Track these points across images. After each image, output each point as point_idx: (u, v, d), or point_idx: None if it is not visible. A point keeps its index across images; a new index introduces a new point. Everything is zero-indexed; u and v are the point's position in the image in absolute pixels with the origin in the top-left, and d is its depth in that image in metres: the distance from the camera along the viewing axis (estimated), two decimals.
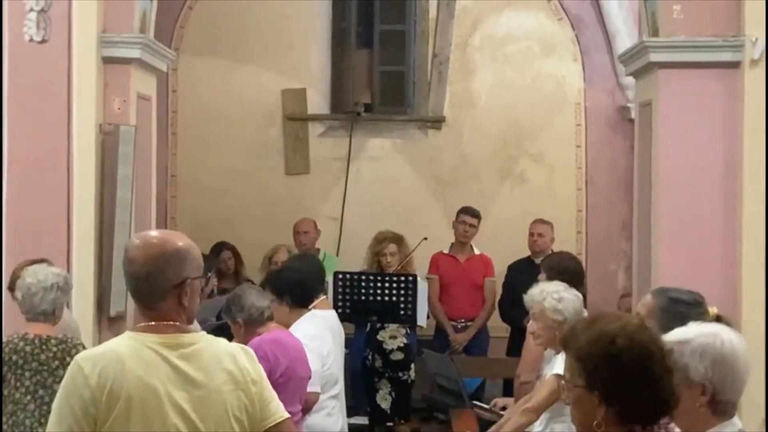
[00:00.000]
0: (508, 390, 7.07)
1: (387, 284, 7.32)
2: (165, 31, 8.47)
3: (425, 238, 8.05)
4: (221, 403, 2.84)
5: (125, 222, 6.28)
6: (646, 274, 6.24)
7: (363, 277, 7.38)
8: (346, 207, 9.42)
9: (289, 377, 4.76)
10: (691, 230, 6.00)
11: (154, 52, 6.67)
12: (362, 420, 7.43)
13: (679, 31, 6.04)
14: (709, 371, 2.58)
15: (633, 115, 7.74)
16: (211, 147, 9.45)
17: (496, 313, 8.36)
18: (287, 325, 5.19)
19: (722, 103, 5.99)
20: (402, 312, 7.34)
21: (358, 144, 9.52)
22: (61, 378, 2.91)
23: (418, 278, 7.52)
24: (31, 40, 6.05)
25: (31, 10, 6.03)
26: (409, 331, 7.65)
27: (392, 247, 7.87)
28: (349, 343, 6.94)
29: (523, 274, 7.42)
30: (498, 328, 8.42)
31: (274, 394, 3.01)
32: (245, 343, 3.89)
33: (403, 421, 7.55)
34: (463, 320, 8.31)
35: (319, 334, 5.32)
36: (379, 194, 9.39)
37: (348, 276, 7.38)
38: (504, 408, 5.76)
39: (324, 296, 5.67)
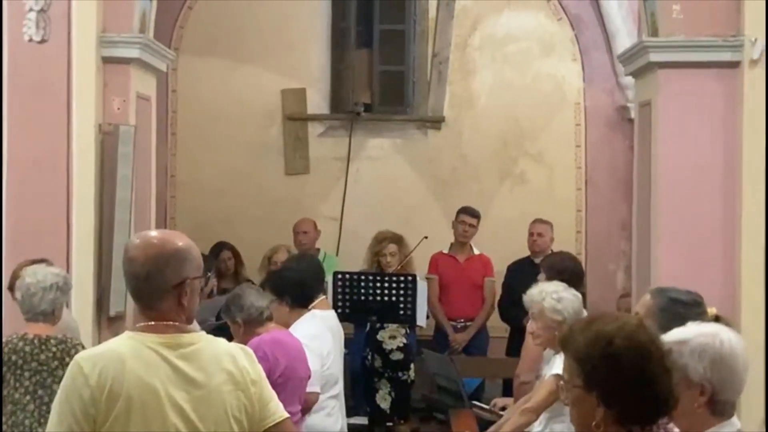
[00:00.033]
0: (507, 390, 7.07)
1: (386, 284, 7.32)
2: (165, 31, 8.48)
3: (426, 237, 8.04)
4: (221, 403, 2.84)
5: (125, 222, 6.28)
6: (646, 274, 6.24)
7: (362, 277, 7.37)
8: (346, 207, 9.42)
9: (288, 377, 4.76)
10: (690, 230, 6.01)
11: (154, 52, 6.67)
12: (362, 420, 7.42)
13: (678, 31, 6.04)
14: (708, 371, 2.58)
15: (632, 114, 7.74)
16: (210, 147, 9.45)
17: (495, 313, 8.36)
18: (287, 325, 5.19)
19: (722, 103, 5.99)
20: (401, 312, 7.34)
21: (357, 144, 9.52)
22: (61, 378, 2.91)
23: (418, 278, 7.52)
24: (31, 40, 6.05)
25: (31, 9, 6.04)
26: (408, 331, 7.64)
27: (392, 247, 7.87)
28: (348, 343, 6.94)
29: (522, 274, 7.42)
30: (497, 328, 8.42)
31: (274, 394, 3.01)
32: (244, 343, 3.88)
33: (402, 421, 7.54)
34: (462, 320, 8.31)
35: (319, 334, 5.32)
36: (378, 194, 9.39)
37: (347, 276, 7.38)
38: (504, 408, 5.76)
39: (323, 296, 5.67)
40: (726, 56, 5.98)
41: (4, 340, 4.74)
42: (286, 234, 8.52)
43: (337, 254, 9.00)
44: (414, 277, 7.44)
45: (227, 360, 2.89)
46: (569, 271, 5.56)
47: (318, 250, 8.51)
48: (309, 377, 5.00)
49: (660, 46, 6.08)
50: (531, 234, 8.24)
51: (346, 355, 6.15)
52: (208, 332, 3.08)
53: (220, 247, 8.46)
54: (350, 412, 6.50)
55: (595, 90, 9.44)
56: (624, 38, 8.74)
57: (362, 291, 7.30)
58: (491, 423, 5.47)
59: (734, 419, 2.63)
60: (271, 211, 9.27)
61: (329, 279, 6.94)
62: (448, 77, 9.54)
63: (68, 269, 5.77)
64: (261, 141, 9.52)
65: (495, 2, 9.52)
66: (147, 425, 2.77)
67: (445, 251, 8.45)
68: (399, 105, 9.74)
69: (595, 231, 9.41)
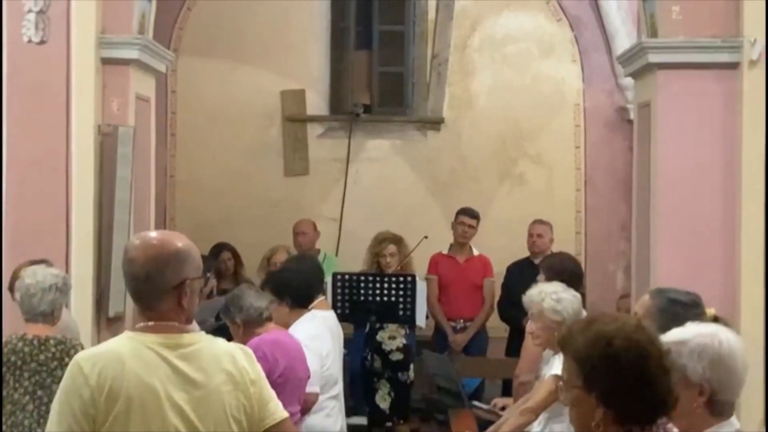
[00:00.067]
0: (507, 390, 7.07)
1: (386, 285, 7.33)
2: (164, 32, 8.48)
3: (426, 237, 8.05)
4: (220, 403, 2.85)
5: (124, 223, 6.28)
6: (645, 274, 6.24)
7: (362, 278, 7.38)
8: (346, 208, 9.43)
9: (287, 378, 4.76)
10: (690, 231, 6.01)
11: (153, 53, 6.67)
12: (361, 420, 7.43)
13: (677, 32, 6.04)
14: (707, 371, 2.59)
15: (632, 115, 7.74)
16: (210, 148, 9.46)
17: (495, 314, 8.36)
18: (287, 326, 5.19)
19: (721, 104, 6.00)
20: (401, 312, 7.35)
21: (357, 145, 9.52)
22: (60, 378, 2.91)
23: (417, 279, 7.52)
24: (30, 41, 6.05)
25: (30, 11, 6.03)
26: (408, 331, 7.64)
27: (392, 248, 7.87)
28: (348, 343, 6.94)
29: (522, 274, 7.43)
30: (497, 328, 8.42)
31: (273, 394, 3.01)
32: (244, 343, 3.87)
33: (402, 422, 7.55)
34: (462, 321, 8.31)
35: (318, 334, 5.32)
36: (378, 195, 9.39)
37: (347, 277, 7.39)
38: (503, 408, 5.76)
39: (323, 297, 5.67)
40: (725, 57, 5.98)
41: (3, 340, 4.74)
42: (286, 235, 8.52)
43: (336, 255, 9.00)
44: (413, 277, 7.44)
45: (227, 360, 2.90)
46: (568, 272, 5.56)
47: (318, 250, 8.51)
48: (308, 377, 5.00)
49: (659, 47, 6.08)
50: (530, 235, 8.24)
51: (345, 355, 6.15)
52: (208, 333, 3.08)
53: (219, 247, 8.46)
54: (350, 412, 6.50)
55: (594, 91, 9.44)
56: (623, 39, 8.74)
57: (362, 291, 7.31)
58: (491, 423, 5.47)
59: (733, 419, 2.63)
60: (271, 212, 9.27)
61: (328, 280, 6.94)
62: (448, 78, 9.54)
63: (67, 270, 5.77)
64: (260, 142, 9.52)
65: (494, 3, 9.52)
66: (146, 425, 2.77)
67: (445, 252, 8.45)
68: (398, 106, 9.74)
69: (594, 232, 9.41)
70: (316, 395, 5.19)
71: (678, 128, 6.05)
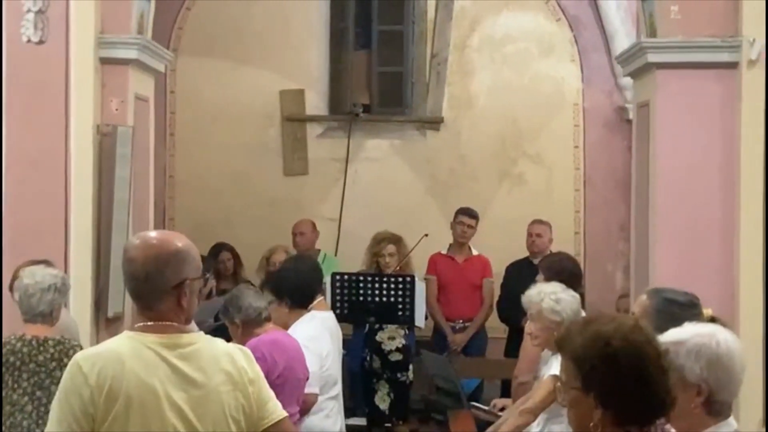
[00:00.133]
0: (506, 391, 7.07)
1: (385, 285, 7.32)
2: (163, 32, 8.47)
3: (426, 235, 8.05)
4: (219, 403, 2.85)
5: (123, 223, 6.28)
6: (644, 274, 6.24)
7: (361, 278, 7.37)
8: (345, 208, 9.42)
9: (286, 378, 4.76)
10: (688, 231, 6.00)
11: (152, 53, 6.67)
12: (360, 421, 7.42)
13: (676, 31, 6.03)
14: (705, 372, 2.58)
15: (631, 115, 7.74)
16: (209, 148, 9.45)
17: (494, 314, 8.36)
18: (286, 326, 5.19)
19: (720, 104, 5.99)
20: (400, 313, 7.34)
21: (356, 145, 9.52)
22: (59, 379, 2.91)
23: (416, 279, 7.52)
24: (29, 41, 6.05)
25: (29, 11, 6.03)
26: (407, 332, 7.64)
27: (391, 248, 7.86)
28: (347, 344, 6.94)
29: (521, 274, 7.43)
30: (496, 328, 8.42)
31: (272, 393, 3.02)
32: (243, 344, 3.88)
33: (401, 422, 7.54)
34: (461, 321, 8.30)
35: (318, 335, 5.32)
36: (377, 195, 9.39)
37: (346, 277, 7.38)
38: (503, 409, 5.76)
39: (322, 297, 5.67)
40: (724, 57, 5.97)
41: (2, 341, 4.74)
42: (285, 235, 8.52)
43: (335, 255, 9.00)
44: (412, 278, 7.44)
45: (225, 360, 2.90)
46: (567, 272, 5.56)
47: (318, 251, 8.51)
48: (307, 378, 5.00)
49: (658, 46, 6.08)
50: (530, 235, 8.24)
51: (344, 356, 6.15)
52: (207, 333, 3.08)
53: (219, 248, 8.46)
54: (349, 413, 6.50)
55: (593, 91, 9.44)
56: (622, 39, 8.74)
57: (360, 292, 7.30)
58: (490, 424, 5.46)
59: (731, 419, 2.63)
60: (270, 211, 9.27)
61: (327, 280, 6.94)
62: (447, 78, 9.54)
63: (66, 270, 5.76)
64: (260, 142, 9.52)
65: (493, 3, 9.52)
66: (146, 425, 2.77)
67: (444, 252, 8.45)
68: (398, 106, 9.74)
69: (593, 232, 9.41)
70: (316, 396, 5.19)
71: (677, 128, 6.05)
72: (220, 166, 9.41)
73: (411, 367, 7.58)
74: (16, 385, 4.62)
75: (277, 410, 2.99)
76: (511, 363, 6.10)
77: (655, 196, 6.11)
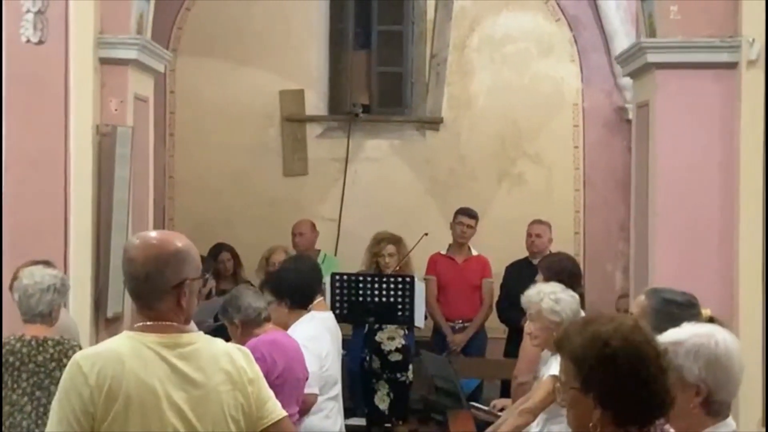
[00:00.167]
0: (505, 391, 7.07)
1: (384, 285, 7.32)
2: (162, 32, 8.47)
3: (426, 234, 8.05)
4: (218, 403, 2.86)
5: (122, 223, 6.28)
6: (644, 274, 6.24)
7: (360, 278, 7.37)
8: (344, 208, 9.42)
9: (286, 378, 4.75)
10: (688, 231, 6.00)
11: (152, 53, 6.67)
12: (360, 421, 7.42)
13: (676, 31, 6.03)
14: (703, 372, 2.58)
15: (631, 115, 7.74)
16: (209, 148, 9.46)
17: (493, 314, 8.36)
18: (286, 326, 5.18)
19: (719, 104, 5.99)
20: (400, 313, 7.34)
21: (356, 145, 9.52)
22: (58, 380, 2.91)
23: (416, 279, 7.52)
24: (28, 41, 6.04)
25: (28, 11, 6.02)
26: (407, 332, 7.64)
27: (390, 248, 7.86)
28: (347, 344, 6.94)
29: (520, 274, 7.42)
30: (496, 329, 8.42)
31: (271, 393, 3.02)
32: (242, 344, 3.87)
33: (401, 423, 7.54)
34: (460, 321, 8.30)
35: (317, 335, 5.32)
36: (377, 195, 9.39)
37: (345, 277, 7.38)
38: (503, 409, 5.76)
39: (321, 297, 5.67)
40: (723, 57, 5.97)
41: (2, 341, 4.74)
42: (285, 235, 8.52)
43: (335, 255, 9.00)
44: (412, 278, 7.44)
45: (225, 360, 2.91)
46: (567, 272, 5.56)
47: (318, 251, 8.51)
48: (307, 378, 5.00)
49: (657, 46, 6.08)
50: (529, 235, 8.24)
51: (344, 356, 6.14)
52: (206, 333, 3.08)
53: (219, 248, 8.46)
54: (348, 413, 6.49)
55: (593, 91, 9.44)
56: (622, 39, 8.74)
57: (360, 292, 7.30)
58: (489, 424, 5.47)
59: (729, 420, 2.63)
60: (270, 212, 9.27)
61: (327, 280, 6.94)
62: (447, 78, 9.54)
63: (66, 270, 5.76)
64: (259, 142, 9.52)
65: (493, 3, 9.52)
66: (145, 425, 2.78)
67: (444, 252, 8.45)
68: (397, 106, 9.74)
69: (593, 232, 9.42)
70: (315, 396, 5.19)
71: (676, 128, 6.04)
72: (220, 167, 9.41)
73: (410, 367, 7.58)
74: (15, 386, 4.62)
75: (276, 410, 2.99)
76: (510, 363, 6.10)
77: (655, 196, 6.11)
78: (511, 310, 7.37)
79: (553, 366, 4.61)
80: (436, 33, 9.53)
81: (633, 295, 6.51)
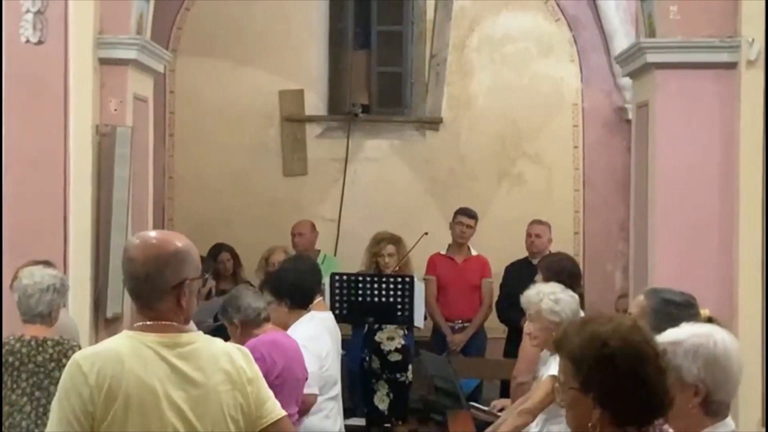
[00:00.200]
0: (505, 391, 7.07)
1: (384, 285, 7.32)
2: (162, 33, 8.47)
3: (426, 233, 8.05)
4: (218, 402, 2.86)
5: (122, 223, 6.28)
6: (643, 274, 6.24)
7: (360, 279, 7.37)
8: (344, 208, 9.42)
9: (285, 378, 4.75)
10: (687, 231, 6.01)
11: (151, 53, 6.67)
12: (360, 421, 7.42)
13: (675, 31, 6.03)
14: (702, 372, 2.58)
15: (630, 115, 7.74)
16: (208, 148, 9.45)
17: (493, 314, 8.36)
18: (286, 327, 5.18)
19: (719, 104, 5.99)
20: (399, 313, 7.34)
21: (355, 145, 9.52)
22: (58, 380, 2.92)
23: (416, 279, 7.52)
24: (28, 41, 6.04)
25: (28, 11, 6.02)
26: (406, 332, 7.64)
27: (390, 248, 7.87)
28: (346, 344, 6.94)
29: (520, 275, 7.42)
30: (495, 329, 8.42)
31: (271, 393, 3.02)
32: (242, 344, 3.87)
33: (400, 423, 7.54)
34: (460, 321, 8.30)
35: (317, 335, 5.32)
36: (376, 195, 9.38)
37: (345, 277, 7.38)
38: (502, 409, 5.76)
39: (321, 298, 5.67)
40: (723, 57, 5.97)
41: (2, 341, 4.74)
42: (285, 235, 8.52)
43: (334, 255, 9.00)
44: (411, 278, 7.44)
45: (224, 360, 2.91)
46: (566, 272, 5.56)
47: (318, 251, 8.51)
48: (306, 378, 4.99)
49: (657, 47, 6.08)
50: (529, 235, 8.24)
51: (344, 356, 6.14)
52: (206, 334, 3.08)
53: (218, 248, 8.46)
54: (348, 413, 6.50)
55: (592, 91, 9.44)
56: (621, 39, 8.74)
57: (359, 292, 7.30)
58: (489, 424, 5.47)
59: (728, 420, 2.63)
60: (269, 212, 9.27)
61: (326, 280, 6.94)
62: (446, 78, 9.54)
63: (65, 270, 5.76)
64: (259, 142, 9.52)
65: (493, 3, 9.52)
66: (145, 424, 2.78)
67: (443, 252, 8.45)
68: (397, 106, 9.74)
69: (592, 232, 9.42)
70: (315, 396, 5.19)
71: (676, 128, 6.05)
72: (220, 167, 9.41)
73: (410, 367, 7.58)
74: (15, 386, 4.62)
75: (275, 409, 2.99)
76: (510, 363, 6.10)
77: (655, 196, 6.11)
78: (510, 310, 7.37)
79: (552, 366, 4.61)
80: (435, 33, 9.53)
81: (632, 295, 6.51)
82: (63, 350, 4.64)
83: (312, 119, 9.59)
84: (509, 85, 9.48)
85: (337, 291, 7.29)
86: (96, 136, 6.20)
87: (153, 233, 3.02)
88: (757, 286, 5.82)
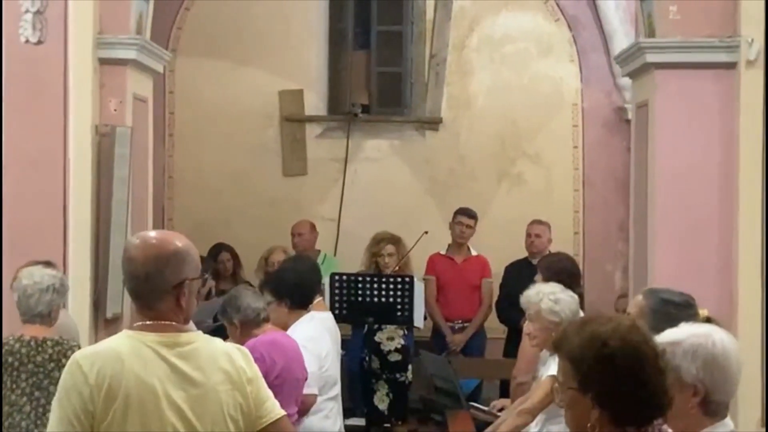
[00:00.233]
0: (505, 391, 7.07)
1: (384, 285, 7.32)
2: (161, 33, 8.47)
3: (426, 232, 8.06)
4: (217, 402, 2.86)
5: (122, 223, 6.28)
6: (643, 274, 6.24)
7: (359, 279, 7.37)
8: (344, 208, 9.42)
9: (285, 379, 4.75)
10: (687, 231, 6.01)
11: (151, 53, 6.67)
12: (359, 421, 7.41)
13: (675, 31, 6.04)
14: (701, 372, 2.58)
15: (630, 115, 7.74)
16: (208, 148, 9.45)
17: (493, 314, 8.36)
18: (286, 327, 5.18)
19: (718, 104, 5.99)
20: (399, 313, 7.34)
21: (355, 145, 9.52)
22: (57, 380, 2.92)
23: (415, 279, 7.52)
24: (27, 41, 6.04)
25: (27, 11, 6.02)
26: (406, 332, 7.64)
27: (390, 248, 7.87)
28: (346, 344, 6.94)
29: (520, 275, 7.42)
30: (495, 329, 8.42)
31: (270, 393, 3.03)
32: (241, 344, 3.87)
33: (400, 423, 7.54)
34: (460, 321, 8.30)
35: (317, 335, 5.32)
36: (376, 195, 9.38)
37: (344, 277, 7.38)
38: (502, 409, 5.77)
39: (320, 298, 5.67)
40: (723, 57, 5.97)
41: (2, 341, 4.74)
42: (284, 235, 8.51)
43: (334, 255, 9.00)
44: (411, 278, 7.43)
45: (224, 359, 2.91)
46: (566, 272, 5.56)
47: (318, 251, 8.51)
48: (306, 379, 4.99)
49: (657, 47, 6.08)
50: (529, 235, 8.24)
51: (343, 356, 6.14)
52: (206, 334, 3.08)
53: (218, 248, 8.46)
54: (348, 413, 6.49)
55: (592, 91, 9.44)
56: (621, 39, 8.74)
57: (359, 292, 7.30)
58: (488, 424, 5.47)
59: (727, 420, 2.63)
60: (269, 212, 9.27)
61: (326, 281, 6.94)
62: (446, 78, 9.54)
63: (65, 271, 5.75)
64: (259, 142, 9.52)
65: (492, 3, 9.52)
66: (145, 424, 2.78)
67: (443, 252, 8.45)
68: (396, 106, 9.74)
69: (592, 232, 9.42)
70: (315, 396, 5.19)
71: (675, 128, 6.05)
72: (219, 167, 9.41)
73: (410, 367, 7.57)
74: (14, 386, 4.62)
75: (275, 409, 2.99)
76: (510, 363, 6.10)
77: (654, 196, 6.11)
78: (510, 310, 7.37)
79: (552, 366, 4.61)
80: (435, 33, 9.53)
81: (632, 296, 6.50)
82: (62, 350, 4.64)
83: (312, 119, 9.59)
84: (509, 85, 9.48)
85: (336, 291, 7.29)
86: (96, 136, 6.20)
87: (153, 233, 3.02)
88: (756, 286, 5.82)
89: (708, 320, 3.16)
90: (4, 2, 6.02)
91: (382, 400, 7.46)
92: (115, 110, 6.30)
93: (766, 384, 5.54)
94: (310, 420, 5.25)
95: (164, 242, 2.92)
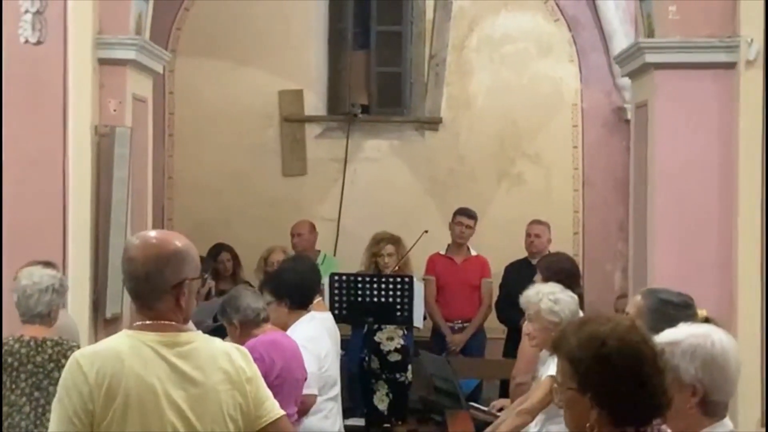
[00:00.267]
0: (504, 391, 7.07)
1: (383, 285, 7.32)
2: (161, 33, 8.47)
3: (426, 231, 8.06)
4: (217, 401, 2.87)
5: (121, 224, 6.28)
6: (642, 274, 6.24)
7: (359, 279, 7.37)
8: (343, 208, 9.42)
9: (284, 379, 4.75)
10: (687, 231, 6.01)
11: (150, 53, 6.67)
12: (359, 421, 7.41)
13: (674, 32, 6.04)
14: (700, 372, 2.59)
15: (629, 115, 7.74)
16: (208, 148, 9.45)
17: (493, 314, 8.36)
18: (285, 327, 5.18)
19: (718, 104, 5.99)
20: (399, 313, 7.34)
21: (355, 145, 9.52)
22: (57, 380, 2.92)
23: (415, 279, 7.52)
24: (27, 41, 6.04)
25: (27, 11, 6.02)
26: (406, 332, 7.64)
27: (389, 248, 7.87)
28: (346, 344, 6.94)
29: (519, 275, 7.42)
30: (495, 329, 8.42)
31: (269, 392, 3.03)
32: (241, 344, 3.87)
33: (400, 423, 7.54)
34: (459, 321, 8.30)
35: (317, 336, 5.32)
36: (376, 195, 9.39)
37: (344, 277, 7.38)
38: (501, 409, 5.77)
39: (320, 298, 5.67)
40: (722, 57, 5.97)
41: (1, 341, 4.74)
42: (284, 235, 8.51)
43: (334, 255, 9.00)
44: (411, 278, 7.44)
45: (223, 359, 2.92)
46: (566, 272, 5.56)
47: (318, 252, 8.51)
48: (305, 379, 4.99)
49: (656, 47, 6.08)
50: (528, 235, 8.24)
51: (343, 356, 6.14)
52: (205, 334, 3.08)
53: (218, 248, 8.45)
54: (347, 413, 6.49)
55: (592, 91, 9.44)
56: (621, 39, 8.74)
57: (359, 292, 7.30)
58: (488, 424, 5.47)
59: (726, 420, 2.63)
60: (269, 212, 9.27)
61: (326, 280, 6.94)
62: (446, 78, 9.54)
63: (64, 271, 5.75)
64: (258, 142, 9.52)
65: (492, 3, 9.52)
66: (144, 423, 2.79)
67: (443, 252, 8.45)
68: (396, 106, 9.74)
69: (592, 232, 9.42)
70: (315, 397, 5.19)
71: (675, 128, 6.05)
72: (219, 167, 9.41)
73: (410, 367, 7.58)
74: (14, 386, 4.62)
75: (274, 409, 3.00)
76: (509, 363, 6.10)
77: (654, 196, 6.11)
78: (510, 310, 7.36)
79: (551, 366, 4.61)
80: (435, 33, 9.53)
81: (632, 296, 6.51)
82: (62, 351, 4.64)
83: (311, 119, 9.59)
84: (508, 85, 9.48)
85: (336, 291, 7.29)
86: (95, 137, 6.20)
87: (153, 233, 3.03)
88: (756, 286, 5.82)
89: (707, 320, 3.16)
90: (4, 2, 6.02)
91: (381, 401, 7.47)
92: (114, 110, 6.30)
93: (766, 384, 5.54)
94: (310, 420, 5.25)
95: (164, 242, 2.92)
